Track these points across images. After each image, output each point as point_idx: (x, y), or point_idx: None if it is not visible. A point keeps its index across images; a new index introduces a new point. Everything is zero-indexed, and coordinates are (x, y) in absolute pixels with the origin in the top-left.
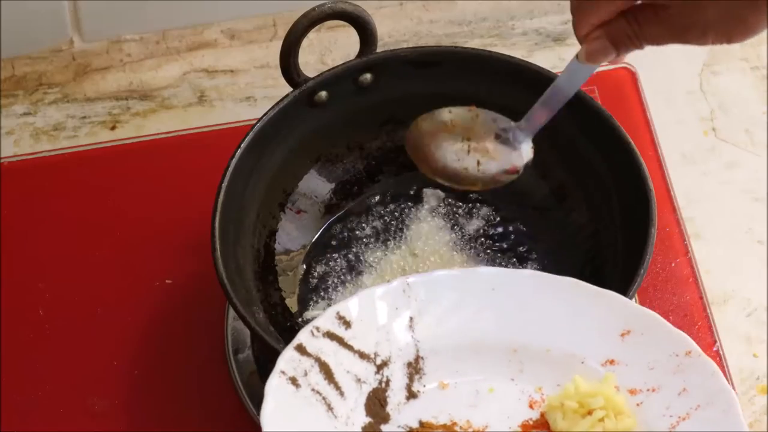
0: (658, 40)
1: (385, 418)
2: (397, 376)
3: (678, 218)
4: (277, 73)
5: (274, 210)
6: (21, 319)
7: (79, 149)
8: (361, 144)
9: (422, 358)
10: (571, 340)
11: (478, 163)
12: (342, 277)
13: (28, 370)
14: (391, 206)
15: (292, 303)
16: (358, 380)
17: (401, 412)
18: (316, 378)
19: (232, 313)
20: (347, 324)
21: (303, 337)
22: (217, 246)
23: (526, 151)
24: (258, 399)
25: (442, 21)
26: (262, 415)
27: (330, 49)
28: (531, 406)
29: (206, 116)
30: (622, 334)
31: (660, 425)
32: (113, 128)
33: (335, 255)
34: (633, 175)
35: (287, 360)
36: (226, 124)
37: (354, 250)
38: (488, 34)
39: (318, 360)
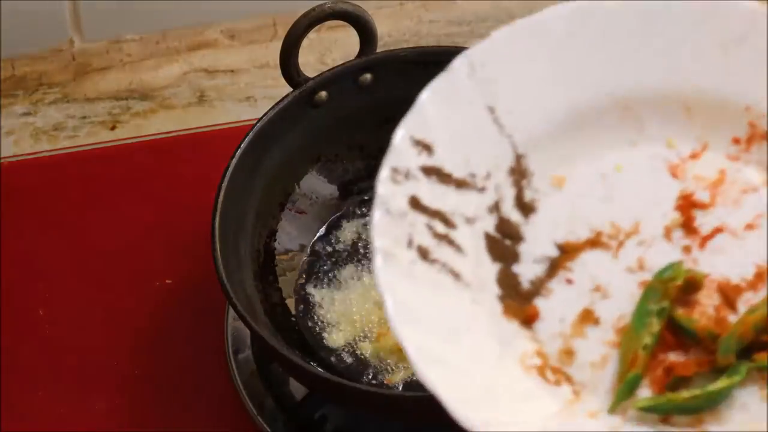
0: None
1: (515, 256)
2: (505, 192)
3: None
4: (277, 73)
5: (274, 210)
6: (21, 319)
7: (79, 149)
8: (361, 144)
9: (522, 155)
10: (697, 71)
11: None
12: (343, 276)
13: (28, 370)
14: None
15: (292, 303)
16: (468, 220)
17: (528, 240)
18: (425, 241)
19: (232, 313)
20: (429, 149)
21: (384, 190)
22: (217, 246)
23: None
24: (258, 399)
25: (442, 21)
26: (389, 318)
27: (330, 49)
28: (674, 175)
29: (206, 116)
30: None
31: None
32: (113, 128)
33: (335, 255)
34: None
35: (381, 233)
36: (226, 124)
37: (354, 249)
38: (488, 34)
39: (416, 216)
